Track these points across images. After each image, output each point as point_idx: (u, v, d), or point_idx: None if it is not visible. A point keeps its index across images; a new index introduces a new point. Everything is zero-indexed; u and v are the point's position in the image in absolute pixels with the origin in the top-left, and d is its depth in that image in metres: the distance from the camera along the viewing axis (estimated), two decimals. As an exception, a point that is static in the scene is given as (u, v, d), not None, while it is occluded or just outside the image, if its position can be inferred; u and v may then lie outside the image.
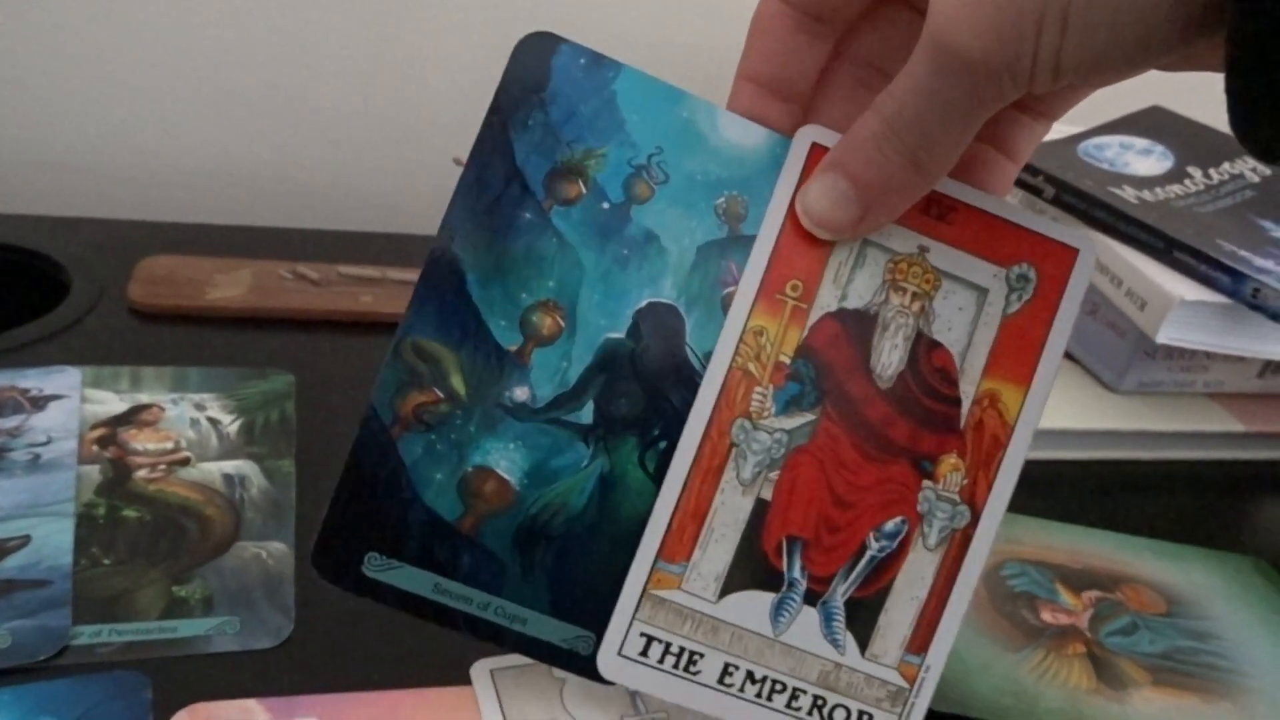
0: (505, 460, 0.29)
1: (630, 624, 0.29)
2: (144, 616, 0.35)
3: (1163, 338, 0.49)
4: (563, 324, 0.29)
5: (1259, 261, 0.50)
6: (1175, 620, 0.42)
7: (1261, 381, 0.57)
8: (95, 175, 0.67)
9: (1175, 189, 0.56)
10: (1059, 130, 0.63)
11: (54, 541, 0.37)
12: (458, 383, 0.29)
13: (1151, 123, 0.62)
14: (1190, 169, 0.58)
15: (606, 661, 0.28)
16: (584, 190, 0.29)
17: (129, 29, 0.64)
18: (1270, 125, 0.22)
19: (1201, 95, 0.62)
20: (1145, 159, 0.59)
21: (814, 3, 0.28)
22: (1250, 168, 0.58)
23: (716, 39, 0.64)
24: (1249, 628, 0.42)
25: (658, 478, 0.29)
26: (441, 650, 0.35)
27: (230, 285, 0.55)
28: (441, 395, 0.29)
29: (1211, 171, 0.58)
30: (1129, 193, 0.55)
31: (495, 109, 0.29)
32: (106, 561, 0.37)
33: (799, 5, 0.28)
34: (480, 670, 0.34)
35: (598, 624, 0.29)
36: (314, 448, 0.44)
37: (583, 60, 0.29)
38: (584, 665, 0.29)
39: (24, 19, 0.62)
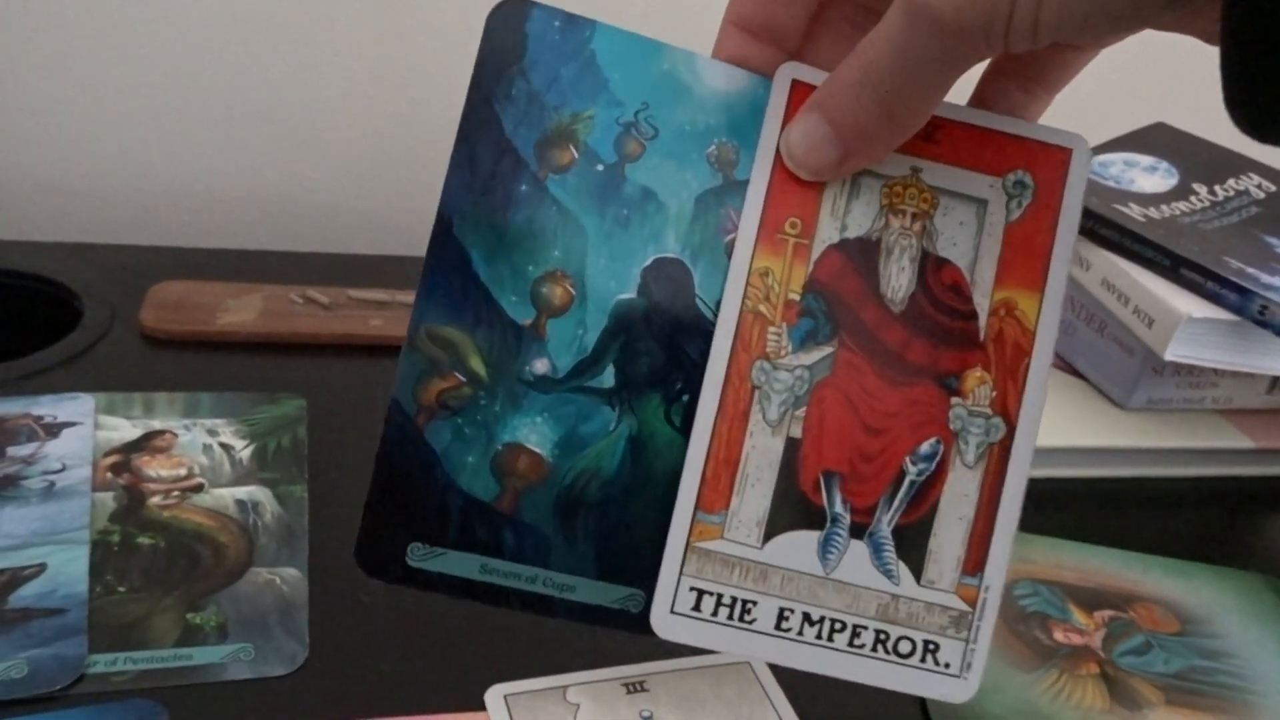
0: (534, 434, 0.29)
1: (678, 580, 0.28)
2: (159, 644, 0.35)
3: (1171, 355, 0.49)
4: (573, 292, 0.29)
5: (1266, 278, 0.50)
6: (1188, 639, 0.42)
7: (1270, 397, 0.57)
8: (106, 201, 0.68)
9: (1181, 206, 0.57)
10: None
11: (69, 569, 0.37)
12: (477, 364, 0.29)
13: (1156, 139, 0.62)
14: (1195, 185, 0.58)
15: (660, 620, 0.28)
16: (576, 155, 0.29)
17: (139, 56, 0.65)
18: (1265, 96, 0.22)
19: (1206, 112, 0.63)
20: (1150, 176, 0.59)
21: None
22: (1255, 184, 0.59)
23: None
24: (1261, 646, 0.42)
25: (685, 431, 0.29)
26: (456, 676, 0.35)
27: (241, 310, 0.55)
28: (463, 379, 0.29)
29: (1217, 188, 0.58)
30: (1135, 210, 0.55)
31: (476, 84, 0.28)
32: (121, 589, 0.37)
33: None
34: (495, 696, 0.34)
35: (645, 582, 0.29)
36: (326, 472, 0.44)
37: (557, 23, 0.29)
38: (636, 623, 0.29)
39: (34, 47, 0.63)
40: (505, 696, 0.34)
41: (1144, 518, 0.51)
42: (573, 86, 0.29)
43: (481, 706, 0.34)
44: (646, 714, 0.34)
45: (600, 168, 0.29)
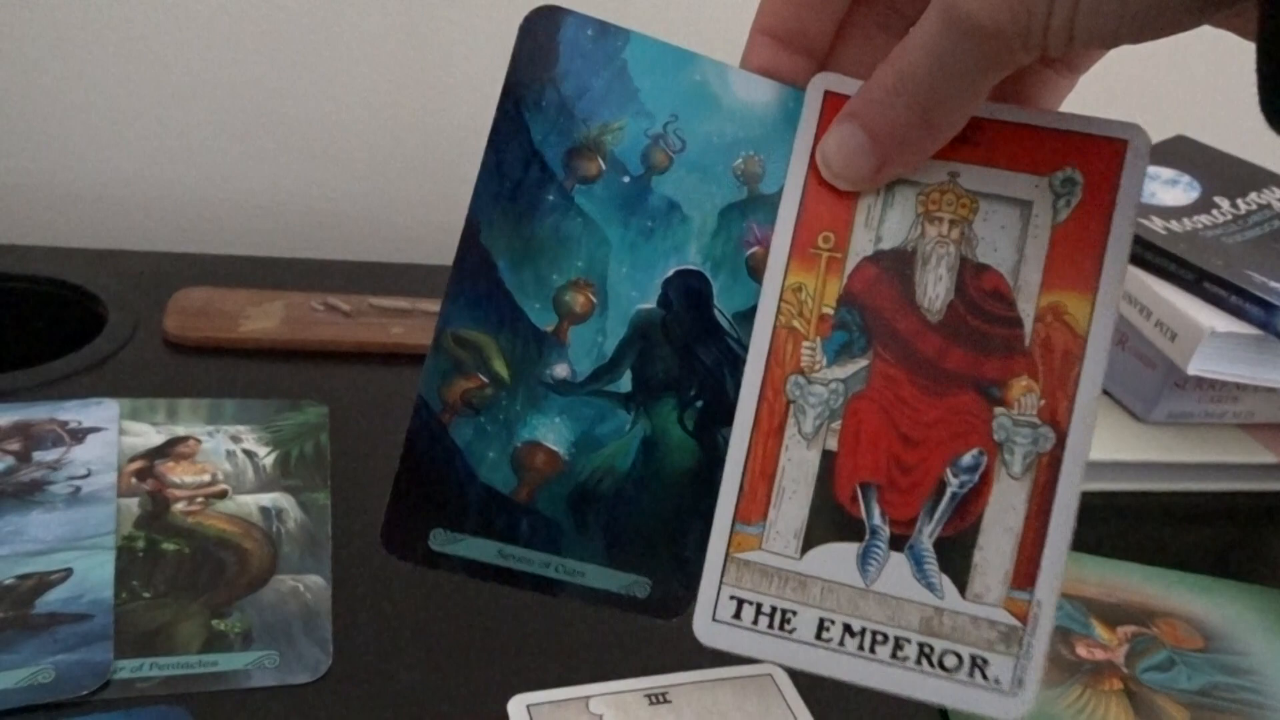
0: (552, 433, 0.30)
1: (719, 589, 0.28)
2: (184, 650, 0.35)
3: (1194, 369, 0.49)
4: (595, 300, 0.29)
5: (1290, 293, 0.50)
6: (1212, 656, 0.42)
7: (1292, 412, 0.56)
8: (129, 209, 0.68)
9: (1203, 219, 0.56)
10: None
11: (95, 575, 0.37)
12: (500, 366, 0.29)
13: (1177, 152, 0.62)
14: (1217, 199, 0.58)
15: (702, 628, 0.28)
16: (603, 166, 0.29)
17: (163, 65, 0.65)
18: None
19: (1228, 125, 0.63)
20: (1172, 189, 0.59)
21: None
22: (1278, 197, 0.58)
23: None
24: (1286, 663, 0.42)
25: (697, 434, 0.30)
26: (478, 685, 0.35)
27: (263, 317, 0.55)
28: (485, 380, 0.29)
29: (1239, 201, 0.58)
30: (1156, 223, 0.55)
31: (507, 91, 0.29)
32: (146, 595, 0.37)
33: None
34: (517, 705, 0.34)
35: (651, 569, 0.30)
36: (348, 480, 0.45)
37: (590, 31, 0.29)
38: (641, 607, 0.30)
39: (60, 57, 0.64)
40: (528, 706, 0.34)
41: (1165, 533, 0.51)
42: (603, 97, 0.29)
43: (504, 716, 0.34)
44: (669, 725, 0.34)
45: (626, 179, 0.29)
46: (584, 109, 0.29)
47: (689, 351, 0.30)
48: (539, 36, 0.29)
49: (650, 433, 0.30)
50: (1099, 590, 0.44)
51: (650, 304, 0.30)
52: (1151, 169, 0.61)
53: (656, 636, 0.37)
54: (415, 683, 0.35)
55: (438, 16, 0.67)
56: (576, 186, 0.29)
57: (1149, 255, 0.53)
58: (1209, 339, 0.49)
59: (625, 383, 0.30)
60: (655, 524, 0.30)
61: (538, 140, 0.29)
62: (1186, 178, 0.60)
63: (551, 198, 0.29)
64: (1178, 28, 0.23)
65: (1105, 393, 0.57)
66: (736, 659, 0.36)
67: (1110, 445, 0.53)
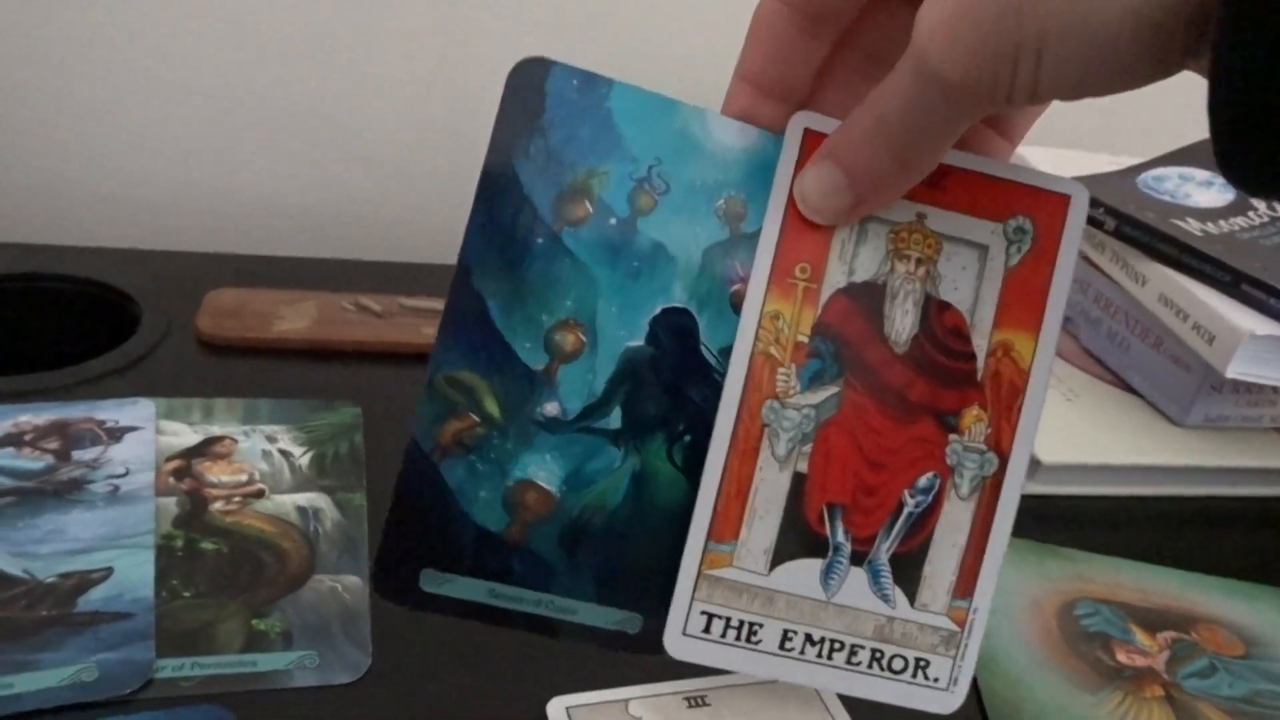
0: (544, 471, 0.30)
1: (690, 604, 0.30)
2: (225, 650, 0.35)
3: (1233, 372, 0.49)
4: (584, 339, 0.30)
5: (1330, 296, 0.49)
6: (1254, 662, 0.41)
7: (1330, 416, 0.56)
8: (163, 209, 0.69)
9: (1239, 221, 0.56)
10: (1116, 162, 0.62)
11: (136, 574, 0.38)
12: (491, 406, 0.30)
13: (1210, 153, 0.62)
14: (1254, 200, 0.58)
15: (672, 641, 0.30)
16: (590, 209, 0.30)
17: (197, 69, 0.65)
18: (1257, 155, 0.22)
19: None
20: (1206, 190, 0.59)
21: (813, 2, 0.29)
22: (1315, 199, 0.58)
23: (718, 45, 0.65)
24: (1328, 670, 0.41)
25: (686, 469, 0.31)
26: (518, 687, 0.35)
27: (295, 317, 0.56)
28: (477, 419, 0.30)
29: (1275, 203, 0.57)
30: (1193, 225, 0.55)
31: (496, 141, 0.30)
32: (186, 594, 0.37)
33: (798, 6, 0.29)
34: (557, 707, 0.34)
35: (642, 605, 0.31)
36: (382, 481, 0.45)
37: (575, 81, 0.30)
38: (632, 643, 0.31)
39: (92, 59, 0.64)
40: (567, 709, 0.34)
41: (1202, 538, 0.51)
42: (589, 144, 0.30)
43: (543, 718, 0.34)
44: (709, 729, 0.34)
45: (613, 221, 0.30)
46: (571, 155, 0.30)
47: (677, 388, 0.30)
48: (527, 86, 0.30)
49: (640, 469, 0.30)
50: (1137, 596, 0.44)
51: (639, 342, 0.30)
52: (1186, 170, 0.60)
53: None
54: (454, 684, 0.35)
55: (468, 19, 0.67)
56: (565, 229, 0.30)
57: (1186, 257, 0.53)
58: (1248, 342, 0.48)
59: (615, 419, 0.30)
60: (646, 560, 0.31)
61: (527, 186, 0.30)
62: (1221, 179, 0.59)
63: (541, 241, 0.30)
64: (1142, 81, 0.24)
65: (1139, 395, 0.57)
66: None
67: (1145, 449, 0.53)
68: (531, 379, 0.30)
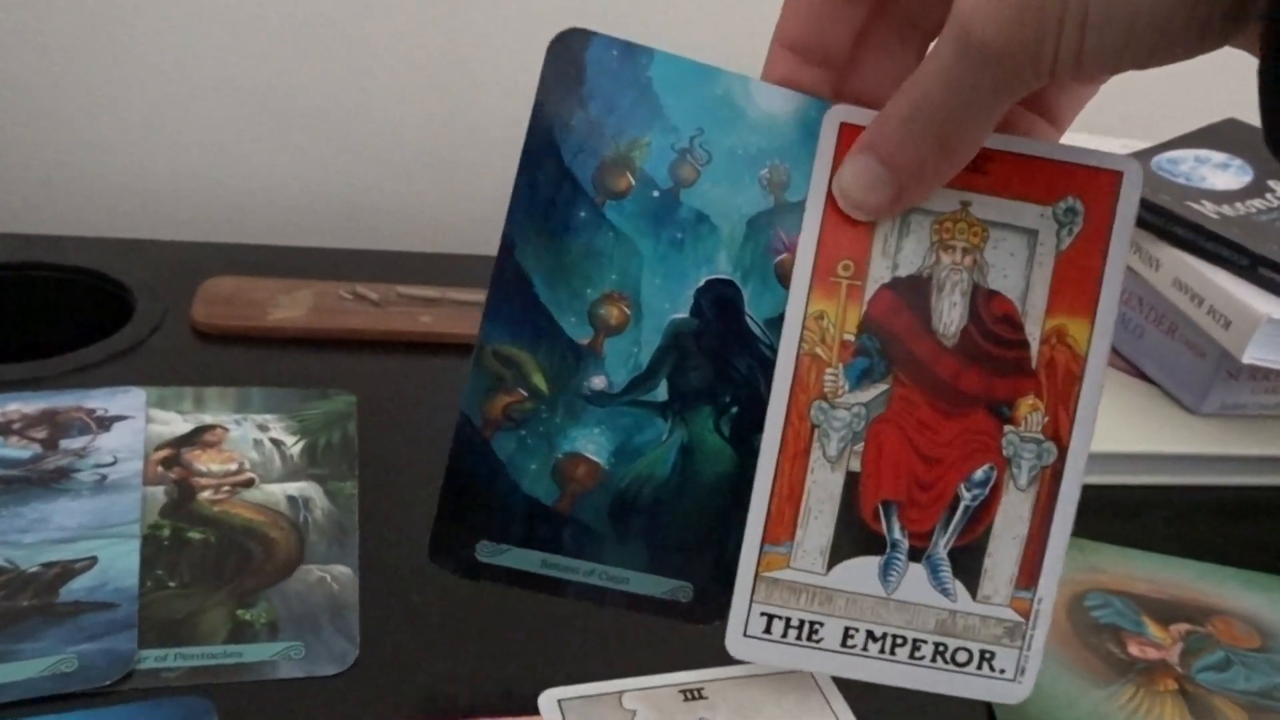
0: (592, 444, 0.31)
1: (749, 606, 0.30)
2: (209, 640, 0.35)
3: (1249, 358, 0.47)
4: (629, 312, 0.30)
5: (1350, 278, 0.48)
6: (1271, 655, 0.40)
7: (1351, 404, 0.54)
8: (159, 198, 0.68)
9: (1256, 203, 0.54)
10: (1131, 144, 0.61)
11: (120, 563, 0.37)
12: (539, 380, 0.30)
13: (1227, 135, 0.60)
14: (1271, 183, 0.56)
15: (734, 643, 0.30)
16: (633, 181, 0.30)
17: (193, 59, 0.65)
18: None
19: None
20: (1223, 173, 0.57)
21: None
22: (1335, 181, 0.56)
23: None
24: (1349, 664, 0.40)
25: (733, 440, 0.31)
26: (509, 679, 0.35)
27: (291, 306, 0.55)
28: (525, 394, 0.30)
29: (1294, 185, 0.56)
30: (1208, 207, 0.53)
31: (537, 113, 0.30)
32: (172, 584, 0.37)
33: None
34: (548, 700, 0.33)
35: (693, 574, 0.31)
36: (376, 469, 0.44)
37: (615, 52, 0.29)
38: (684, 612, 0.32)
39: (90, 48, 0.63)
40: (559, 701, 0.33)
41: (1217, 528, 0.49)
42: (630, 114, 0.30)
43: (535, 710, 0.33)
44: (705, 722, 0.33)
45: (656, 193, 0.30)
46: (612, 127, 0.30)
47: (723, 359, 0.30)
48: (566, 58, 0.29)
49: (688, 440, 0.31)
50: (1150, 587, 0.43)
51: (683, 314, 0.30)
52: (1202, 153, 0.59)
53: (692, 632, 0.36)
54: (444, 676, 0.35)
55: (466, 9, 0.66)
56: (607, 202, 0.30)
57: (1201, 240, 0.51)
58: (1265, 326, 0.47)
59: (661, 392, 0.30)
60: (695, 530, 0.31)
61: (568, 159, 0.30)
62: (1238, 161, 0.58)
63: (583, 214, 0.30)
64: (1185, 54, 0.24)
65: (1153, 383, 0.55)
66: (774, 654, 0.35)
67: (1159, 438, 0.51)
68: (577, 353, 0.30)
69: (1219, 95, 0.69)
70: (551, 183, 0.30)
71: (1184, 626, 0.41)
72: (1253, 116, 0.65)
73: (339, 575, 0.38)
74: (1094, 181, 0.29)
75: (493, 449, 0.30)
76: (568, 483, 0.31)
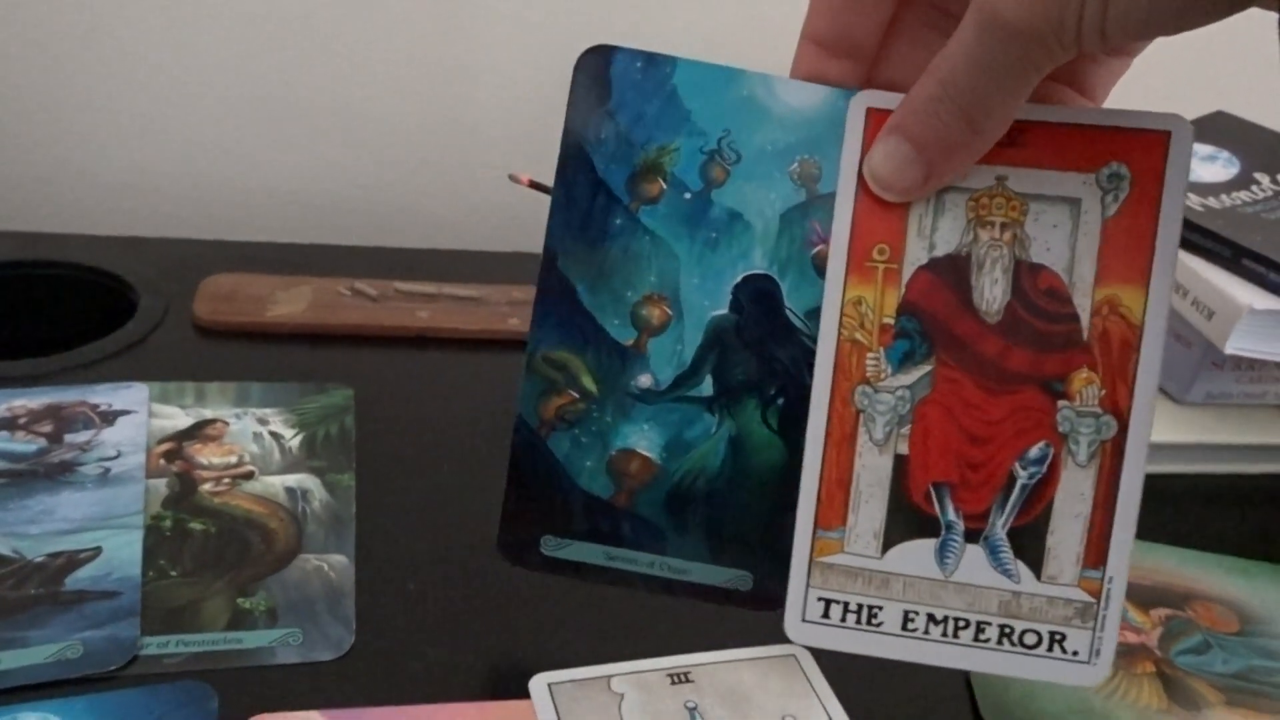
0: (644, 440, 0.32)
1: (805, 591, 0.30)
2: (210, 628, 0.36)
3: (1231, 348, 0.48)
4: (670, 312, 0.31)
5: (1332, 269, 0.48)
6: (1248, 639, 0.41)
7: (1335, 393, 0.55)
8: (160, 196, 0.69)
9: (1242, 195, 0.55)
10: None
11: (124, 553, 0.38)
12: (588, 382, 0.32)
13: (1215, 128, 0.61)
14: (1257, 175, 0.57)
15: (793, 628, 0.30)
16: (664, 186, 0.31)
17: (192, 55, 0.66)
18: None
19: (1268, 100, 0.61)
20: (1210, 165, 0.58)
21: None
22: (1320, 173, 0.57)
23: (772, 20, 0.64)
24: (1327, 647, 0.41)
25: (781, 431, 0.32)
26: (500, 664, 0.35)
27: (291, 302, 0.56)
28: (576, 395, 0.32)
29: (1279, 177, 0.56)
30: (1194, 200, 0.54)
31: (569, 129, 0.31)
32: (173, 573, 0.38)
33: None
34: (539, 684, 0.34)
35: (751, 563, 0.32)
36: (372, 462, 0.45)
37: (639, 63, 0.31)
38: (746, 599, 0.32)
39: (90, 46, 0.64)
40: (549, 685, 0.34)
41: (1201, 515, 0.50)
42: (657, 122, 0.31)
43: (526, 695, 0.34)
44: (691, 705, 0.34)
45: (688, 195, 0.31)
46: (640, 135, 0.31)
47: (765, 352, 0.31)
48: (592, 75, 0.31)
49: (736, 433, 0.32)
50: (1133, 573, 0.43)
51: (723, 310, 0.31)
52: (1189, 145, 0.59)
53: (679, 617, 0.37)
54: (437, 661, 0.36)
55: (465, 8, 0.67)
56: (641, 208, 0.31)
57: (1186, 232, 0.52)
58: (1248, 316, 0.47)
59: (706, 387, 0.32)
60: (750, 520, 0.32)
61: (601, 170, 0.31)
62: (1225, 153, 0.58)
63: (619, 221, 0.31)
64: (1208, 17, 0.23)
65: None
66: (760, 639, 0.36)
67: (1145, 427, 0.52)
68: (623, 354, 0.31)
69: (1208, 87, 0.70)
70: (587, 194, 0.31)
71: (1165, 611, 0.42)
72: (1241, 109, 0.65)
73: (336, 564, 0.39)
74: (1139, 143, 0.28)
75: (550, 449, 0.32)
76: (623, 478, 0.32)
